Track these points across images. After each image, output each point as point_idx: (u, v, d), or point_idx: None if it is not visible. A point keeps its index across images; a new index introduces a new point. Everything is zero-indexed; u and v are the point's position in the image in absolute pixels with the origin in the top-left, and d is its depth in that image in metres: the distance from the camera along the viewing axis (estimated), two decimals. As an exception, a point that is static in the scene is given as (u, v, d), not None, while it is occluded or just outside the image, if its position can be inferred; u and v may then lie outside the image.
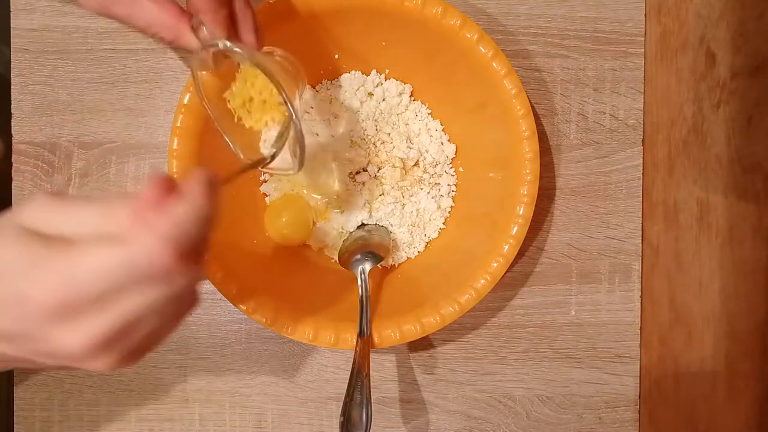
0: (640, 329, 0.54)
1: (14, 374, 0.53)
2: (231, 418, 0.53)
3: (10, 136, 0.52)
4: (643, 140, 0.54)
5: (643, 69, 0.53)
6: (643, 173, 0.54)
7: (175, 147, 0.44)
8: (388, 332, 0.45)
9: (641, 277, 0.54)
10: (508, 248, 0.46)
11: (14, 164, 0.52)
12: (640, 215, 0.54)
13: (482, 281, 0.45)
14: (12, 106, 0.52)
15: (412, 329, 0.45)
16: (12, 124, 0.52)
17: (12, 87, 0.52)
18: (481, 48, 0.44)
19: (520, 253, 0.53)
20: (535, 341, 0.54)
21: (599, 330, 0.54)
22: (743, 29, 0.42)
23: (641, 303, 0.54)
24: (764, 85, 0.40)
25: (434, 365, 0.54)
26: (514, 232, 0.46)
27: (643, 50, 0.53)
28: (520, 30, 0.53)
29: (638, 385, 0.54)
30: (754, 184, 0.41)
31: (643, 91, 0.53)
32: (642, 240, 0.54)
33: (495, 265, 0.46)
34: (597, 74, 0.53)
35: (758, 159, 0.41)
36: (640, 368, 0.54)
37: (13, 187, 0.52)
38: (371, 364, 0.53)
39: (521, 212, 0.45)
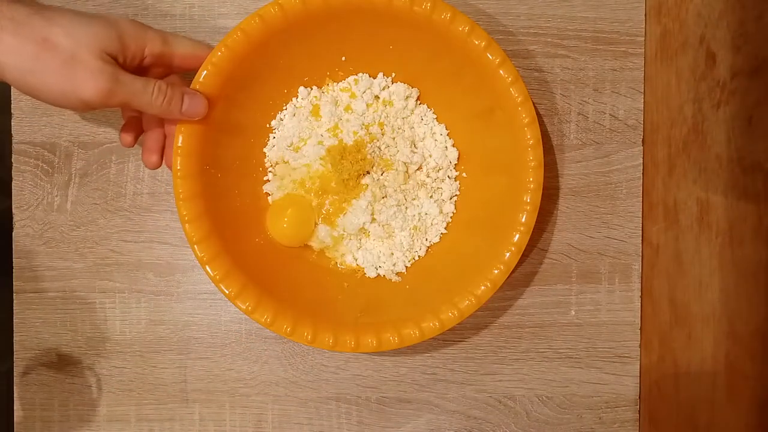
0: (640, 329, 0.54)
1: (14, 374, 0.53)
2: (231, 418, 0.53)
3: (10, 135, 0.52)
4: (643, 140, 0.54)
5: (643, 69, 0.53)
6: (643, 173, 0.54)
7: (179, 144, 0.44)
8: (387, 335, 0.45)
9: (641, 277, 0.54)
10: (510, 255, 0.46)
11: (14, 164, 0.52)
12: (640, 215, 0.54)
13: (483, 288, 0.45)
14: (12, 106, 0.52)
15: (411, 333, 0.45)
16: (12, 124, 0.52)
17: (12, 87, 0.52)
18: (488, 55, 0.44)
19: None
20: (535, 341, 0.54)
21: (599, 330, 0.54)
22: (743, 29, 0.42)
23: (641, 303, 0.54)
24: (764, 85, 0.40)
25: (434, 365, 0.54)
26: (515, 240, 0.46)
27: (643, 50, 0.53)
28: (520, 30, 0.53)
29: (638, 385, 0.54)
30: (754, 184, 0.41)
31: (643, 91, 0.53)
32: (642, 240, 0.54)
33: (496, 272, 0.46)
34: (597, 74, 0.53)
35: (758, 159, 0.40)
36: (640, 368, 0.54)
37: (13, 187, 0.52)
38: (371, 364, 0.53)
39: (523, 220, 0.45)
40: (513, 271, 0.53)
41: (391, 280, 0.51)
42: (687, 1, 0.48)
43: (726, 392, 0.44)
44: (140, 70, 0.43)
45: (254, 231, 0.50)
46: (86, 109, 0.40)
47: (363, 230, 0.51)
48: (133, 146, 0.46)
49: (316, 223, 0.51)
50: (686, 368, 0.48)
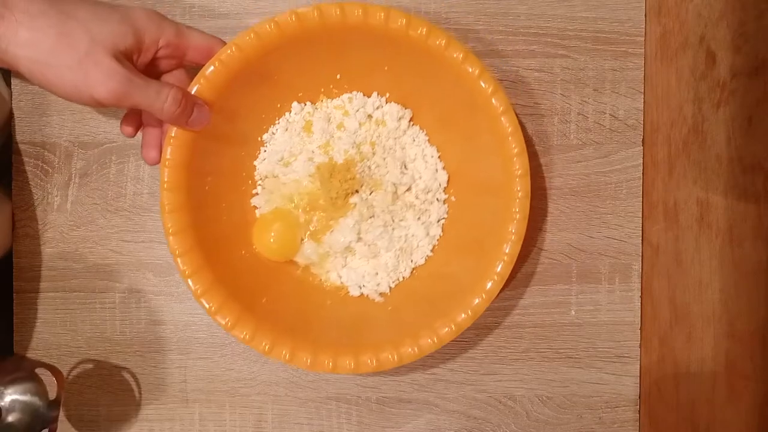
0: (640, 329, 0.54)
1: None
2: (231, 418, 0.53)
3: (10, 135, 0.52)
4: (643, 140, 0.54)
5: (643, 69, 0.53)
6: (643, 173, 0.54)
7: (168, 156, 0.44)
8: (365, 358, 0.45)
9: (641, 277, 0.54)
10: (492, 285, 0.45)
11: (14, 164, 0.52)
12: (640, 215, 0.54)
13: (462, 316, 0.45)
14: (12, 106, 0.52)
15: (390, 358, 0.45)
16: (12, 124, 0.52)
17: (12, 87, 0.52)
18: (481, 83, 0.45)
19: (520, 257, 0.53)
20: (535, 341, 0.54)
21: (599, 330, 0.54)
22: (743, 29, 0.42)
23: (641, 303, 0.54)
24: (764, 85, 0.40)
25: (434, 365, 0.54)
26: (498, 270, 0.46)
27: (643, 50, 0.53)
28: (520, 30, 0.53)
29: (638, 385, 0.54)
30: (754, 184, 0.41)
31: (643, 91, 0.53)
32: (642, 240, 0.54)
33: (477, 301, 0.45)
34: (597, 74, 0.53)
35: (758, 159, 0.41)
36: (640, 368, 0.54)
37: (13, 188, 0.52)
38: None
39: (507, 250, 0.45)
40: (513, 269, 0.53)
41: (374, 300, 0.51)
42: (687, 1, 0.48)
43: (726, 392, 0.44)
44: (153, 62, 0.43)
45: (241, 244, 0.50)
46: (98, 106, 0.40)
47: (349, 249, 0.51)
48: (133, 137, 0.46)
49: (302, 239, 0.51)
50: (686, 368, 0.48)
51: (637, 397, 0.54)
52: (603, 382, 0.54)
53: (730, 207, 0.43)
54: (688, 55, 0.48)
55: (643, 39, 0.53)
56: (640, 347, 0.54)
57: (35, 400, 0.45)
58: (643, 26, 0.53)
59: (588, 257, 0.54)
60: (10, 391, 0.45)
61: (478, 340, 0.54)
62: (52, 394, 0.47)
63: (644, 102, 0.53)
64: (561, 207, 0.54)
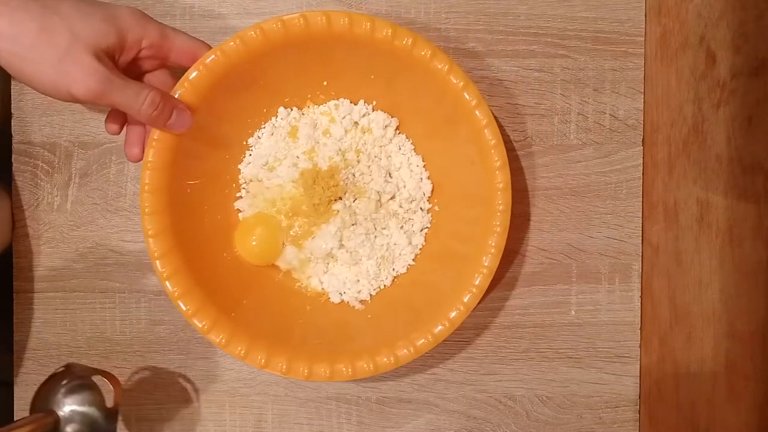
0: (640, 329, 0.54)
1: (14, 374, 0.53)
2: (231, 418, 0.53)
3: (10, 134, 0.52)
4: (643, 140, 0.54)
5: (643, 69, 0.53)
6: (643, 173, 0.54)
7: (150, 159, 0.44)
8: (341, 366, 0.45)
9: (641, 277, 0.54)
10: (470, 298, 0.46)
11: (14, 164, 0.52)
12: (640, 215, 0.54)
13: (440, 327, 0.46)
14: (12, 106, 0.52)
15: (365, 366, 0.45)
16: (12, 124, 0.52)
17: (12, 87, 0.52)
18: (465, 95, 0.45)
19: (518, 253, 0.53)
20: (535, 341, 0.54)
21: (599, 330, 0.54)
22: (743, 29, 0.42)
23: (641, 303, 0.54)
24: (764, 85, 0.40)
25: (434, 365, 0.54)
26: (477, 283, 0.46)
27: (643, 50, 0.53)
28: (520, 30, 0.53)
29: (638, 385, 0.54)
30: (754, 184, 0.41)
31: (643, 91, 0.53)
32: (642, 240, 0.54)
33: (454, 313, 0.46)
34: (597, 74, 0.53)
35: (758, 159, 0.41)
36: (640, 368, 0.54)
37: (13, 188, 0.52)
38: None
39: (486, 264, 0.46)
40: (512, 269, 0.54)
41: (354, 307, 0.51)
42: (687, 1, 0.48)
43: (726, 392, 0.44)
44: (135, 61, 0.43)
45: (222, 246, 0.50)
46: (75, 102, 0.40)
47: (331, 255, 0.51)
48: (119, 134, 0.46)
49: (283, 244, 0.51)
50: (686, 368, 0.48)
51: (637, 397, 0.54)
52: (603, 382, 0.54)
53: (730, 207, 0.43)
54: (688, 55, 0.48)
55: (643, 39, 0.53)
56: (640, 347, 0.54)
57: (93, 410, 0.45)
58: (643, 26, 0.53)
59: (588, 257, 0.54)
60: (68, 401, 0.44)
61: (478, 340, 0.54)
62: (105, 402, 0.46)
63: (644, 102, 0.53)
64: (561, 207, 0.54)
